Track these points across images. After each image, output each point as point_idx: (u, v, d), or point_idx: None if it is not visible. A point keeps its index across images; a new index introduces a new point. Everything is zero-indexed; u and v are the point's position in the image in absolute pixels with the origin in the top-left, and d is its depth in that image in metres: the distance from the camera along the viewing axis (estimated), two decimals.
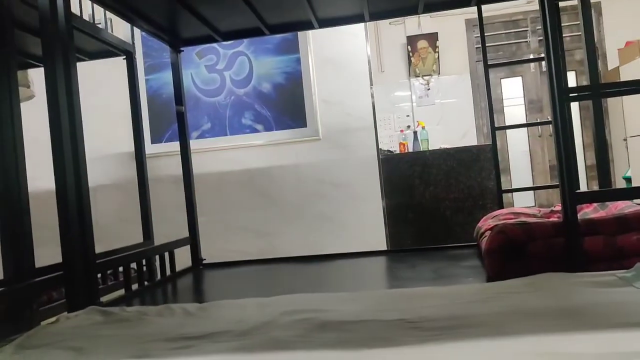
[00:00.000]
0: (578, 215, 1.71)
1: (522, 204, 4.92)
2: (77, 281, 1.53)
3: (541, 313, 1.07)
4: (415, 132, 4.24)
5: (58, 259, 1.65)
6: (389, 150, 4.13)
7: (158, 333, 1.18)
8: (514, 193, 4.84)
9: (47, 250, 1.85)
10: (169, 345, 1.08)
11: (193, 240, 2.51)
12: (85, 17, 2.28)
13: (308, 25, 2.40)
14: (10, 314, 1.42)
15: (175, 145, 2.71)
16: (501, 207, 2.61)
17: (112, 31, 2.40)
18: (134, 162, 2.53)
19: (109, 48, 2.37)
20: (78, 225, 1.54)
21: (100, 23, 2.31)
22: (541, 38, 4.82)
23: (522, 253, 1.71)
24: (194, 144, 2.80)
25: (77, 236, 1.54)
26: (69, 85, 1.61)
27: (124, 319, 1.32)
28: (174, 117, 2.63)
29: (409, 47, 5.09)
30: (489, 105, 2.65)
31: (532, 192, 5.17)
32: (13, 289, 1.43)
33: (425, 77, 5.07)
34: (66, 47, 1.62)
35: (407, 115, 5.03)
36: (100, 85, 3.16)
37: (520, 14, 5.16)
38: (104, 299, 1.79)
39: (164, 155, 3.26)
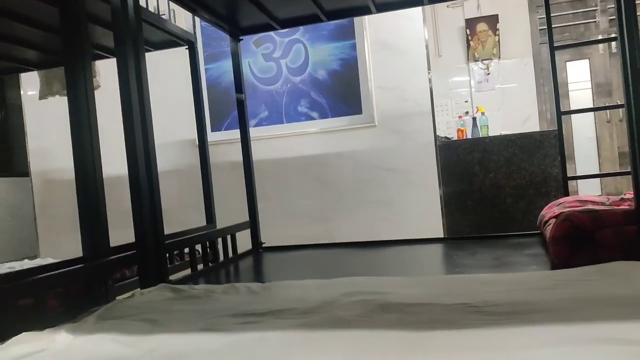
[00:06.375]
0: None
1: (588, 193, 4.69)
2: (148, 260, 1.62)
3: (613, 300, 1.03)
4: (474, 118, 4.14)
5: (126, 240, 1.75)
6: (446, 137, 4.05)
7: (225, 309, 1.23)
8: (578, 181, 4.63)
9: (117, 232, 1.96)
10: (236, 320, 1.13)
11: (253, 224, 2.58)
12: (150, 8, 2.38)
13: (365, 10, 2.38)
14: (89, 288, 1.53)
15: (234, 133, 2.78)
16: (566, 194, 2.51)
17: (174, 22, 2.49)
18: (194, 149, 2.62)
19: (172, 38, 2.46)
20: (149, 207, 1.62)
21: (164, 14, 2.40)
22: (612, 17, 4.55)
23: (589, 241, 1.65)
24: (251, 132, 2.86)
25: (149, 218, 1.62)
26: (139, 75, 1.68)
27: (193, 296, 1.39)
28: (233, 106, 2.70)
29: (467, 30, 4.94)
30: (554, 89, 2.54)
31: (598, 180, 4.92)
32: (91, 266, 1.53)
33: (484, 62, 4.91)
34: (136, 38, 1.69)
35: (466, 101, 4.90)
36: (161, 75, 3.28)
37: None
38: (171, 278, 1.88)
39: (223, 143, 3.35)
